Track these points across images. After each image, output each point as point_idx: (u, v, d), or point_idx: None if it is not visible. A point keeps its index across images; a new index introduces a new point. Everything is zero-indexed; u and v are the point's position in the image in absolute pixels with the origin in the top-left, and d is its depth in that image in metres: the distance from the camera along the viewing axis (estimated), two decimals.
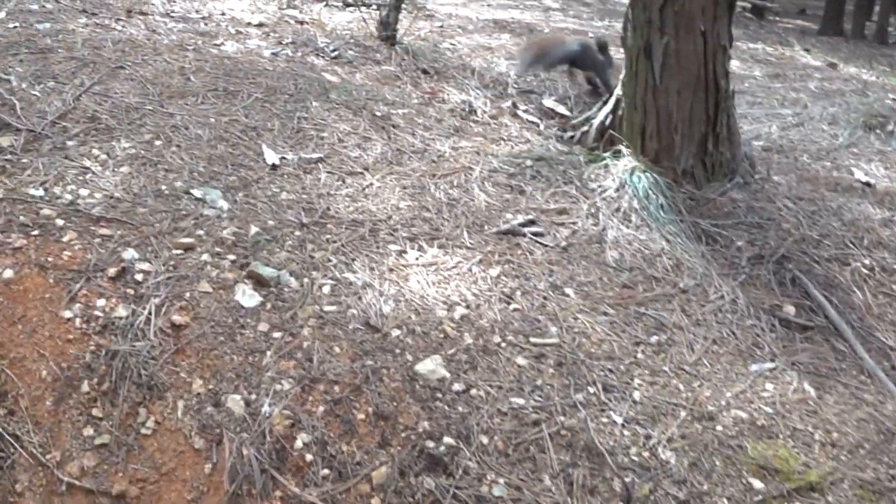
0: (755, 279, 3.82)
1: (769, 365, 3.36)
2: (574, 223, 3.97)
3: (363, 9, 8.00)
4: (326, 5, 8.32)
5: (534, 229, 3.87)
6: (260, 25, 6.97)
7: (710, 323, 3.52)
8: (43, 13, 6.15)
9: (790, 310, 3.69)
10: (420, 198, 4.07)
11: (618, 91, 4.53)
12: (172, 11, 7.15)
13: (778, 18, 18.32)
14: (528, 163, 4.38)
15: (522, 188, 4.20)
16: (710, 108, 4.27)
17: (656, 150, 4.32)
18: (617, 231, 3.93)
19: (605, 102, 4.63)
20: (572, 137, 4.77)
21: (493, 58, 6.83)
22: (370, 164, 4.34)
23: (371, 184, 4.16)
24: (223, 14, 7.37)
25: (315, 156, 4.30)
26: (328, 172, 4.21)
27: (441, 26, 7.92)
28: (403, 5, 9.13)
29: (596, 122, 4.62)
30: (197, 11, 7.35)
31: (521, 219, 3.92)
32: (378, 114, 4.91)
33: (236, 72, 5.18)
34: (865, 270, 3.97)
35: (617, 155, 4.32)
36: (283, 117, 4.64)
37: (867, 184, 5.09)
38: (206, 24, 6.79)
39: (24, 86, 4.58)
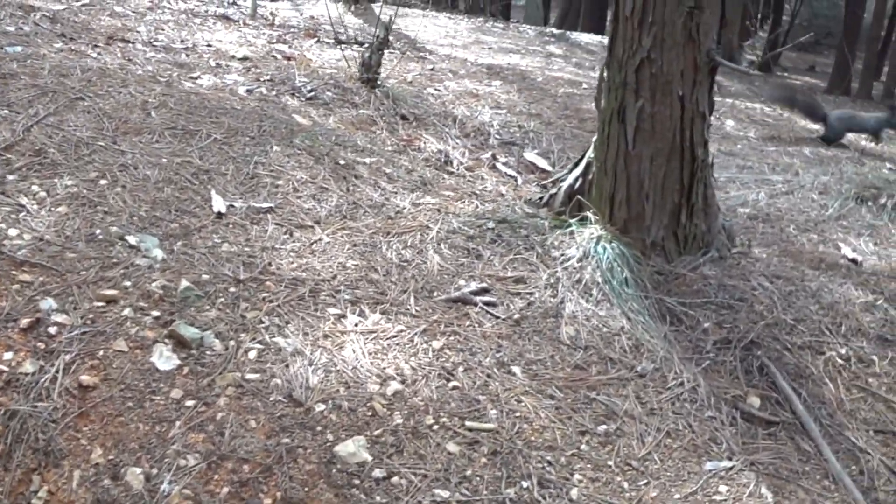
0: (720, 365, 3.56)
1: (725, 464, 3.08)
2: (531, 294, 3.72)
3: (355, 47, 7.83)
4: (318, 41, 8.15)
5: (486, 298, 3.62)
6: (244, 59, 6.79)
7: (666, 413, 3.26)
8: (17, 36, 5.97)
9: (755, 402, 3.42)
10: (370, 257, 3.83)
11: (589, 154, 4.30)
12: (156, 40, 6.98)
13: (787, 75, 18.15)
14: (490, 225, 4.13)
15: (480, 252, 3.96)
16: (684, 177, 4.03)
17: (625, 219, 4.07)
18: (576, 305, 3.67)
19: (577, 164, 4.38)
20: (541, 199, 4.51)
21: (479, 105, 6.61)
22: (322, 217, 4.11)
23: (320, 239, 3.92)
24: (209, 46, 7.20)
25: (265, 205, 4.07)
26: (276, 224, 3.97)
27: (432, 69, 7.72)
28: (399, 47, 8.98)
29: (565, 185, 4.37)
30: (182, 41, 7.18)
31: (473, 286, 3.67)
32: (341, 162, 4.68)
33: (200, 109, 4.97)
34: (840, 361, 3.71)
35: (584, 222, 4.07)
36: (239, 161, 4.42)
37: (853, 261, 4.84)
38: (187, 56, 6.61)
39: None
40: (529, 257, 3.94)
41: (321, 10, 11.36)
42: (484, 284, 3.71)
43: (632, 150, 4.00)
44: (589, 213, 4.12)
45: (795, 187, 5.87)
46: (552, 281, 3.79)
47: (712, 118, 8.34)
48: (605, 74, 4.14)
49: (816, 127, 8.22)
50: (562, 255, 3.93)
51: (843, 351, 3.77)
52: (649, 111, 3.94)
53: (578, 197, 4.25)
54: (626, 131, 4.00)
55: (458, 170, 5.33)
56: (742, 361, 3.59)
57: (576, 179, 4.32)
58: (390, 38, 8.75)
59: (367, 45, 7.76)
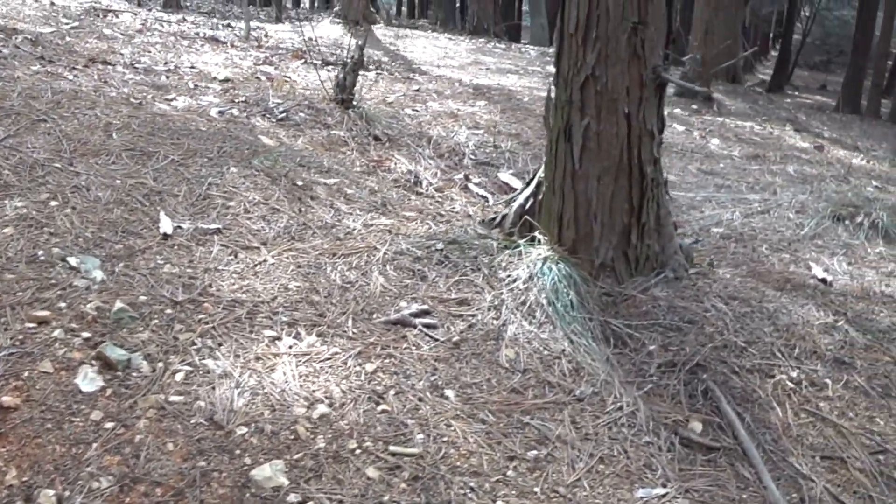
0: (663, 389, 3.48)
1: (658, 491, 2.99)
2: (473, 316, 3.66)
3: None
4: (305, 63, 8.16)
5: (426, 320, 3.56)
6: (225, 81, 6.80)
7: (601, 438, 3.18)
8: None
9: (696, 426, 3.34)
10: (313, 279, 3.79)
11: (540, 173, 4.24)
12: (138, 62, 7.01)
13: (798, 93, 18.04)
14: (440, 246, 4.08)
15: (425, 274, 3.90)
16: (633, 196, 3.96)
17: (574, 240, 4.00)
18: (518, 327, 3.61)
19: (528, 184, 4.33)
20: (493, 220, 4.46)
21: (456, 126, 6.58)
22: (270, 238, 4.07)
23: (264, 260, 3.89)
24: (192, 67, 7.23)
25: (213, 226, 4.04)
26: (222, 245, 3.95)
27: (417, 90, 7.71)
28: (391, 67, 8.98)
29: (515, 205, 4.31)
30: (165, 63, 7.21)
31: (414, 308, 3.62)
32: (299, 183, 4.66)
33: (163, 130, 4.97)
34: (791, 384, 3.61)
35: (532, 243, 4.01)
36: (193, 182, 4.40)
37: (823, 280, 4.74)
38: (167, 78, 6.63)
39: None
40: (475, 279, 3.88)
41: (321, 31, 11.43)
42: (425, 306, 3.66)
43: (578, 169, 3.94)
44: (537, 234, 4.06)
45: (772, 206, 5.78)
46: (496, 303, 3.73)
47: (697, 136, 8.30)
48: (551, 92, 4.09)
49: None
50: (508, 276, 3.87)
51: (794, 374, 3.68)
52: (595, 129, 3.88)
53: (527, 217, 4.19)
54: (572, 150, 3.94)
55: (427, 190, 5.30)
56: (686, 385, 3.50)
57: (526, 199, 4.27)
58: (385, 59, 8.78)
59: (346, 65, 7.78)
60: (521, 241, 4.05)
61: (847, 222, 5.57)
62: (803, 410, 3.53)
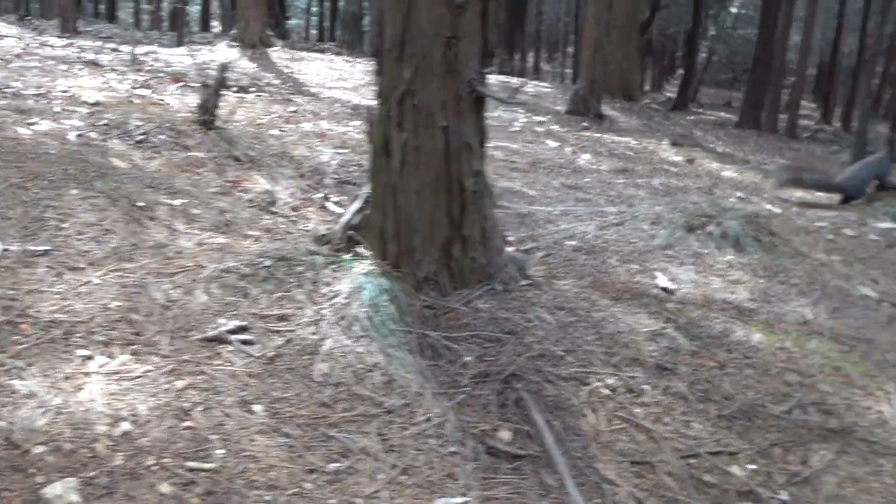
0: (475, 400, 3.55)
1: (458, 500, 3.06)
2: (291, 331, 3.70)
3: (226, 91, 7.84)
4: (183, 86, 8.15)
5: (243, 337, 3.59)
6: (95, 104, 6.77)
7: (407, 449, 3.23)
8: None
9: (505, 436, 3.41)
10: (135, 298, 3.80)
11: (367, 188, 4.32)
12: (7, 87, 6.94)
13: (703, 111, 18.45)
14: (267, 263, 4.11)
15: (249, 291, 3.93)
16: (453, 210, 4.04)
17: (397, 254, 4.07)
18: (335, 342, 3.65)
19: (356, 199, 4.40)
20: (324, 236, 4.52)
21: (323, 146, 6.64)
22: (97, 259, 4.07)
23: (89, 281, 3.89)
24: (64, 92, 7.18)
25: (42, 248, 4.03)
26: (48, 267, 3.93)
27: (294, 111, 7.76)
28: (276, 89, 9.02)
29: (343, 220, 4.38)
30: (37, 88, 7.15)
31: (232, 325, 3.64)
32: (140, 204, 4.66)
33: (10, 154, 4.95)
34: (606, 391, 3.71)
35: (357, 257, 4.07)
36: (29, 205, 4.38)
37: (665, 289, 4.88)
38: (35, 102, 6.58)
39: None
40: (297, 295, 3.92)
41: (217, 55, 11.42)
42: (244, 323, 3.69)
43: (398, 183, 4.02)
44: (362, 249, 4.12)
45: (628, 218, 5.93)
46: (316, 318, 3.77)
47: (569, 151, 8.45)
48: (373, 109, 4.17)
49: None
50: (331, 291, 3.91)
51: (611, 381, 3.78)
52: (413, 144, 3.96)
53: (351, 232, 4.25)
54: (392, 165, 4.02)
55: (281, 210, 5.33)
56: (499, 395, 3.57)
57: (353, 215, 4.33)
58: (276, 81, 8.80)
59: (234, 88, 7.80)
60: (347, 257, 4.11)
61: (699, 232, 5.73)
62: (616, 417, 3.63)
